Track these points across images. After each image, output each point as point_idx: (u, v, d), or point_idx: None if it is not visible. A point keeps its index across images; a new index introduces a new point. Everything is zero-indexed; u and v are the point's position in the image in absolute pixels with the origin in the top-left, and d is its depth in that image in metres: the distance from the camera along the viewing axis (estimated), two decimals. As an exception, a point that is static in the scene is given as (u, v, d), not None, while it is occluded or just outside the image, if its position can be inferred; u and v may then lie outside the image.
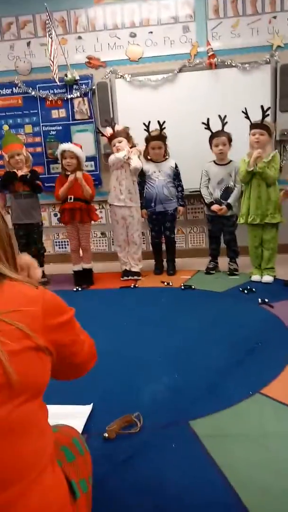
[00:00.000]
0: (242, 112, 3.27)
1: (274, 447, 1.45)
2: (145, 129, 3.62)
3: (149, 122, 3.59)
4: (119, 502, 1.24)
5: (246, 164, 3.25)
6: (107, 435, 1.53)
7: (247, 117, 3.27)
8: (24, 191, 3.63)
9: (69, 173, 3.53)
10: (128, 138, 3.61)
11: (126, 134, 3.61)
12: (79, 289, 3.57)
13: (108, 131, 3.61)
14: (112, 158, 3.61)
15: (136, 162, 3.55)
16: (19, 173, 3.58)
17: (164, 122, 3.56)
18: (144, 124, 3.59)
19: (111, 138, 3.61)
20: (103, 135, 3.72)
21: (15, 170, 3.58)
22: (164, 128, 3.60)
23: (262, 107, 3.21)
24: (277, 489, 1.25)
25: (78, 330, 0.96)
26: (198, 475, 1.33)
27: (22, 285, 0.85)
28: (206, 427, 1.57)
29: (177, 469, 1.37)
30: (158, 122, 3.56)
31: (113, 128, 3.58)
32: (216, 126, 3.50)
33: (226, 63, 3.93)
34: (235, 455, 1.41)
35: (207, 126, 3.51)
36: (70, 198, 3.53)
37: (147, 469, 1.37)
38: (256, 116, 3.25)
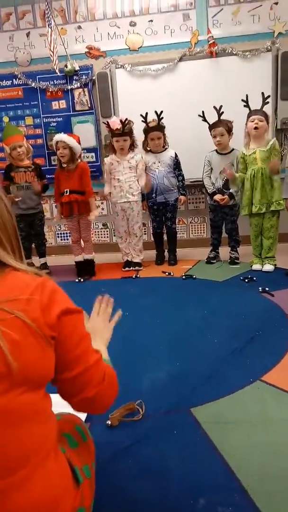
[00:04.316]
0: (242, 100, 3.26)
1: (274, 432, 1.48)
2: (142, 121, 3.58)
3: (146, 113, 3.55)
4: (122, 488, 1.27)
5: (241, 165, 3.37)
6: (110, 422, 1.56)
7: (247, 106, 3.26)
8: (26, 182, 3.65)
9: (65, 165, 3.53)
10: (131, 135, 3.58)
11: (130, 132, 3.57)
12: (81, 280, 3.60)
13: (116, 123, 3.49)
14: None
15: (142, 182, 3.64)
16: (21, 164, 3.62)
17: (161, 112, 3.53)
18: (141, 115, 3.56)
19: (114, 132, 3.52)
20: (108, 126, 3.54)
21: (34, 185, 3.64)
22: (162, 118, 3.57)
23: (262, 94, 3.21)
24: (276, 472, 1.28)
25: (84, 335, 0.89)
26: (199, 460, 1.36)
27: (25, 275, 0.85)
28: (207, 413, 1.60)
29: (179, 454, 1.40)
30: (156, 112, 3.54)
31: (123, 125, 3.46)
32: (215, 116, 3.47)
33: (227, 51, 3.89)
34: (235, 440, 1.44)
35: (204, 118, 3.49)
36: (66, 192, 3.53)
37: (149, 455, 1.41)
38: (257, 105, 3.25)
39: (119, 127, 3.48)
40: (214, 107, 3.44)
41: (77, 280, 3.60)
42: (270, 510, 1.15)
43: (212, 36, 3.88)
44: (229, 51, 3.89)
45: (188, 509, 1.18)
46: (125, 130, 3.50)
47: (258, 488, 1.22)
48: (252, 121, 3.23)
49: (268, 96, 3.27)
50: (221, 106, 3.43)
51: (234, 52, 3.88)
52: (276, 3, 3.86)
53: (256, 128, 3.22)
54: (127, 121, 3.49)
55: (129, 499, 1.23)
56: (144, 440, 1.48)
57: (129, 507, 1.20)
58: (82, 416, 1.58)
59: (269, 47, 3.86)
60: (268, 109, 3.39)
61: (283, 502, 1.18)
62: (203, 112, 3.47)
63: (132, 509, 1.20)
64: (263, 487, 1.23)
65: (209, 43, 3.90)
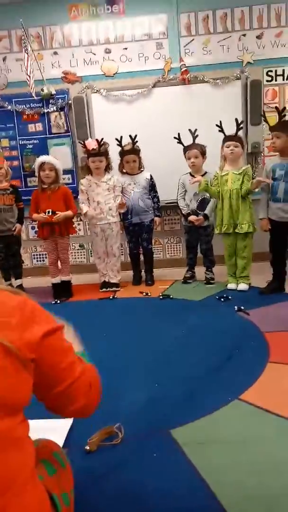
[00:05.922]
0: (217, 125, 3.38)
1: (253, 451, 1.48)
2: (117, 144, 3.67)
3: (121, 137, 3.65)
4: (102, 514, 1.25)
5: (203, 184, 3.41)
6: (88, 447, 1.53)
7: (222, 131, 3.38)
8: (4, 204, 3.63)
9: (45, 186, 3.53)
10: (107, 156, 3.65)
11: (106, 152, 3.63)
12: (58, 301, 3.56)
13: (92, 143, 3.56)
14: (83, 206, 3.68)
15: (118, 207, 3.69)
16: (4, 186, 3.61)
17: (136, 136, 3.63)
18: (116, 139, 3.65)
19: (90, 152, 3.59)
20: (84, 146, 3.62)
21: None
22: (137, 141, 3.66)
23: (236, 120, 3.33)
24: (256, 491, 1.29)
25: (67, 349, 0.90)
26: (179, 482, 1.35)
27: (2, 293, 0.84)
28: (186, 435, 1.60)
29: (159, 477, 1.38)
30: (130, 136, 3.63)
31: (99, 145, 3.54)
32: (189, 139, 3.59)
33: (198, 79, 4.05)
34: (215, 461, 1.44)
35: (179, 140, 3.60)
36: (48, 212, 3.53)
37: (129, 479, 1.38)
38: (229, 130, 3.37)
39: (95, 147, 3.54)
40: (190, 130, 3.55)
41: (53, 302, 3.56)
42: (251, 530, 1.15)
43: (185, 64, 4.05)
44: (201, 78, 4.05)
45: (168, 534, 1.16)
46: (101, 150, 3.56)
47: (238, 509, 1.22)
48: (228, 147, 3.34)
49: (242, 122, 3.41)
50: (195, 130, 3.55)
51: (206, 80, 4.05)
52: (244, 35, 4.07)
53: (231, 153, 3.33)
54: (103, 142, 3.55)
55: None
56: (123, 465, 1.46)
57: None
58: (60, 441, 1.55)
59: (238, 76, 4.04)
60: (239, 134, 3.52)
61: (263, 522, 1.18)
62: (178, 134, 3.58)
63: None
64: (243, 507, 1.23)
65: (182, 70, 4.05)
